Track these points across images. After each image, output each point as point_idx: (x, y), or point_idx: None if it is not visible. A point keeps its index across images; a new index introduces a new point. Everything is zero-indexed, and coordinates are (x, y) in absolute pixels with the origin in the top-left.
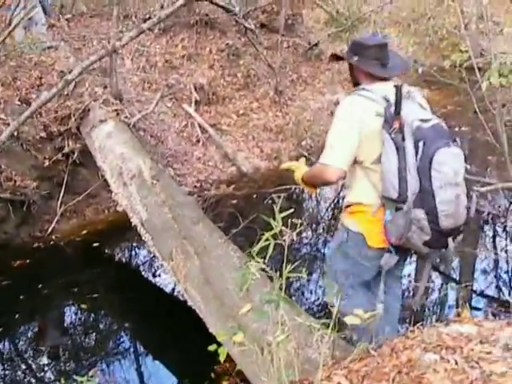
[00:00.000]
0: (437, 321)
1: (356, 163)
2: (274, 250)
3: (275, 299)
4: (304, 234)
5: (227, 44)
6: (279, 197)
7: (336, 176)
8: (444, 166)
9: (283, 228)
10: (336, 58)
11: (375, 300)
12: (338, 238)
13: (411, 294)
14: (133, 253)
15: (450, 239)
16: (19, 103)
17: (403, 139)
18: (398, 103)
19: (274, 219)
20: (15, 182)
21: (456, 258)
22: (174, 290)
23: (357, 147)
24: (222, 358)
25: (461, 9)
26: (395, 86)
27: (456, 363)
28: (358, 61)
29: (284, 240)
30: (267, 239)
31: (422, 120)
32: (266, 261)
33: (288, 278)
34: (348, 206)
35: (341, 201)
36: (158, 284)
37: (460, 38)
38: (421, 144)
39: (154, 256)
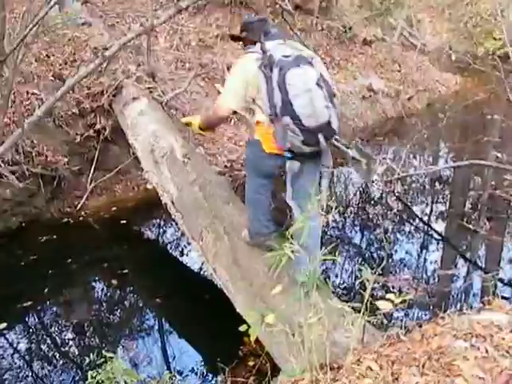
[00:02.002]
0: (467, 308)
1: (253, 100)
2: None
3: (310, 281)
4: (334, 218)
5: None
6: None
7: (226, 112)
8: (293, 80)
9: (319, 211)
10: (233, 37)
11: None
12: (250, 143)
13: (436, 280)
14: (161, 231)
15: (320, 136)
16: (52, 79)
17: (271, 71)
18: (263, 45)
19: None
20: (46, 157)
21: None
22: (202, 269)
23: (245, 88)
24: (252, 339)
25: None
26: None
27: (486, 351)
28: (247, 35)
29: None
30: (302, 221)
31: (284, 56)
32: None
33: (323, 260)
34: (256, 123)
35: (369, 185)
36: (186, 263)
37: (495, 26)
38: (278, 69)
39: (183, 234)
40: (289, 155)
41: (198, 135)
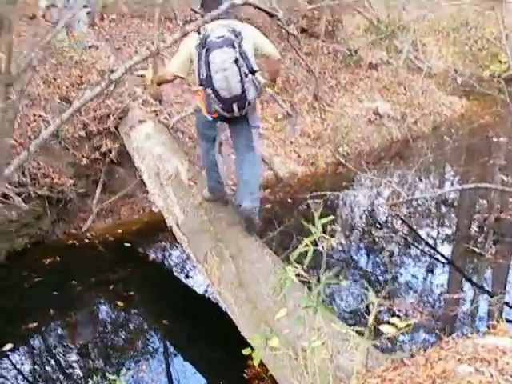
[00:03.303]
0: (472, 332)
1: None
2: (310, 255)
3: (313, 305)
4: (339, 241)
5: None
6: (318, 203)
7: (170, 75)
8: (214, 59)
9: (322, 235)
10: (195, 11)
11: (213, 151)
12: (195, 108)
13: (442, 304)
14: (167, 253)
15: (234, 105)
16: (59, 101)
17: (202, 49)
18: (199, 29)
19: (313, 225)
20: (52, 179)
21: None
22: (207, 291)
23: (187, 59)
24: (256, 362)
25: (502, 19)
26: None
27: (491, 376)
28: (203, 10)
29: (322, 247)
30: (306, 245)
31: (217, 37)
32: (304, 267)
33: (325, 284)
34: (195, 92)
35: (374, 209)
36: (190, 285)
37: (500, 49)
38: (205, 49)
39: (188, 257)
40: (216, 117)
41: None
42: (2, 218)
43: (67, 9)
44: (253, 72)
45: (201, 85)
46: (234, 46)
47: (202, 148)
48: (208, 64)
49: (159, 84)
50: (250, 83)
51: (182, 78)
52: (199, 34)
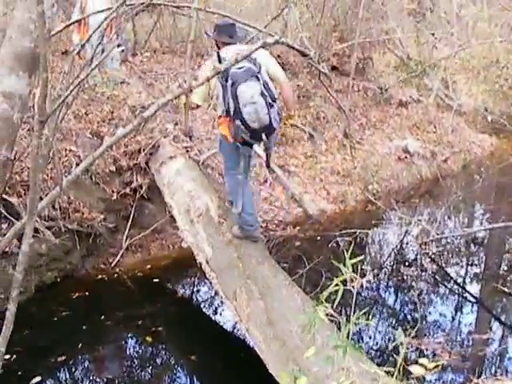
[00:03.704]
0: (501, 374)
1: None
2: (340, 294)
3: (343, 345)
4: (368, 279)
5: (298, 85)
6: (349, 242)
7: (194, 105)
8: (243, 94)
9: (353, 274)
10: (207, 35)
11: (238, 171)
12: (219, 137)
13: (470, 344)
14: (195, 289)
15: (263, 135)
16: (90, 136)
17: (226, 81)
18: (219, 58)
19: (343, 264)
20: (83, 213)
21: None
22: (235, 328)
23: (208, 89)
24: None
25: None
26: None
27: None
28: (216, 35)
29: (353, 286)
30: (337, 284)
31: (237, 68)
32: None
33: (355, 323)
34: (219, 118)
35: (404, 247)
36: (219, 322)
37: None
38: (231, 82)
39: (217, 294)
40: (241, 144)
41: None
42: (31, 252)
43: (101, 46)
44: (275, 100)
45: (229, 116)
46: (258, 78)
47: (229, 175)
48: (236, 97)
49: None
50: (275, 112)
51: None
52: (220, 61)
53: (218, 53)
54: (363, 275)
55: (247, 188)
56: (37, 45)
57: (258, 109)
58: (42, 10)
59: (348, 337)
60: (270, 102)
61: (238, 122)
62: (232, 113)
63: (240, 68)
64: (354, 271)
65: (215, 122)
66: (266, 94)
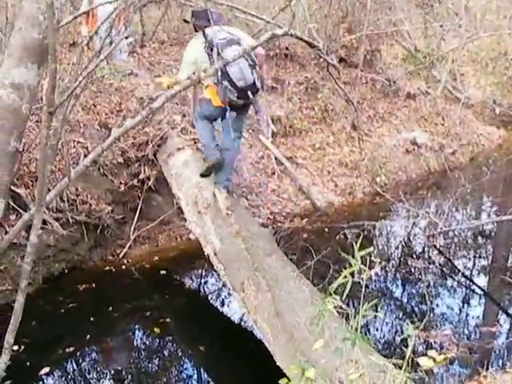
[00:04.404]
0: (510, 366)
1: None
2: (349, 287)
3: (352, 337)
4: (376, 272)
5: (306, 77)
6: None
7: (182, 80)
8: (228, 56)
9: (362, 266)
10: (185, 21)
11: (215, 132)
12: (201, 99)
13: (478, 336)
14: (203, 281)
15: (249, 93)
16: (98, 128)
17: (211, 50)
18: (204, 34)
19: (352, 256)
20: (90, 205)
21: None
22: (242, 320)
23: (194, 63)
24: None
25: None
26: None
27: None
28: (195, 21)
29: (361, 278)
30: (345, 276)
31: (220, 39)
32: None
33: (363, 316)
34: (206, 87)
35: (411, 239)
36: (226, 314)
37: None
38: (216, 50)
39: (224, 285)
40: (228, 107)
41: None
42: (39, 243)
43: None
44: (255, 64)
45: (216, 80)
46: (239, 44)
47: (202, 128)
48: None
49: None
50: (257, 73)
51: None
52: (205, 38)
53: (203, 32)
54: (371, 267)
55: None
56: (45, 36)
57: (242, 68)
58: (50, 1)
59: (357, 329)
60: (251, 63)
61: (225, 83)
62: (219, 76)
63: (223, 39)
64: (362, 263)
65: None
66: (247, 57)
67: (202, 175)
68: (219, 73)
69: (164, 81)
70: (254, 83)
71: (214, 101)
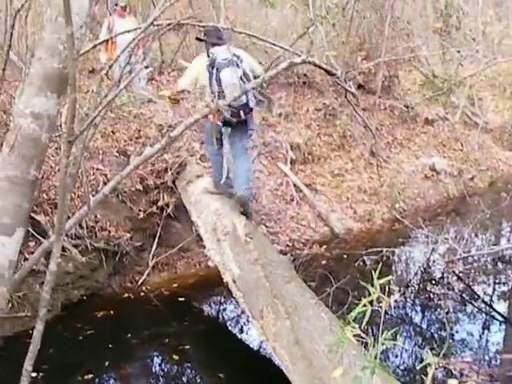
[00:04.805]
0: None
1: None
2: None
3: (371, 365)
4: (395, 298)
5: (324, 104)
6: (376, 261)
7: (180, 90)
8: (225, 77)
9: (380, 295)
10: (198, 39)
11: (223, 153)
12: (206, 124)
13: (498, 363)
14: (222, 308)
15: (241, 112)
16: (117, 155)
17: (212, 68)
18: (209, 54)
19: (371, 284)
20: (109, 232)
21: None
22: (261, 347)
23: (196, 77)
24: None
25: None
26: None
27: None
28: (207, 38)
29: (380, 307)
30: (364, 305)
31: (223, 59)
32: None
33: (384, 343)
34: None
35: (430, 265)
36: (245, 341)
37: None
38: (215, 69)
39: (243, 312)
40: (222, 124)
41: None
42: (58, 270)
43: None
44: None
45: (213, 98)
46: (238, 66)
47: (210, 151)
48: (219, 80)
49: (175, 101)
50: (252, 95)
51: (188, 92)
52: (208, 56)
53: (207, 51)
54: (390, 294)
55: (226, 161)
56: (65, 65)
57: (236, 89)
58: (71, 32)
59: (376, 357)
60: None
61: (220, 102)
62: (216, 95)
63: (224, 59)
64: (381, 291)
65: None
66: (244, 79)
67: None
68: (215, 89)
69: (166, 93)
70: (247, 104)
71: (210, 117)
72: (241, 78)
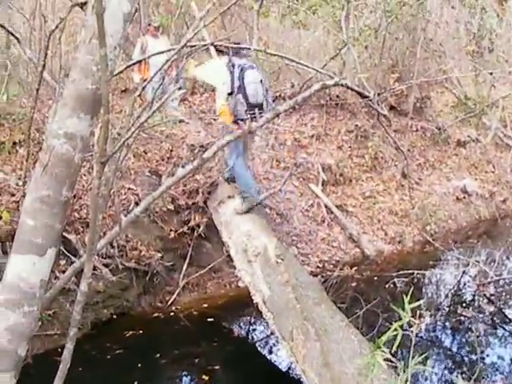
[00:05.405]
0: None
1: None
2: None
3: None
4: (425, 321)
5: (356, 125)
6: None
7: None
8: (249, 75)
9: (411, 319)
10: (217, 49)
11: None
12: (222, 128)
13: None
14: (251, 329)
15: (256, 109)
16: (149, 174)
17: (233, 67)
18: (229, 59)
19: (402, 308)
20: (140, 251)
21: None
22: (290, 369)
23: (214, 73)
24: None
25: None
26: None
27: None
28: (234, 54)
29: (411, 331)
30: (395, 329)
31: (242, 63)
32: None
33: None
34: (219, 109)
35: (461, 288)
36: (274, 362)
37: None
38: (239, 68)
39: (272, 334)
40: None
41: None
42: (89, 289)
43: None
44: (267, 92)
45: (232, 92)
46: (257, 69)
47: (240, 169)
48: (242, 78)
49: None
50: (267, 99)
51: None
52: (229, 60)
53: (229, 59)
54: (421, 316)
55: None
56: (98, 87)
57: (258, 88)
58: (104, 53)
59: (406, 381)
60: (264, 90)
61: (239, 96)
62: (236, 90)
63: (244, 64)
64: (412, 314)
65: (273, 161)
66: (262, 84)
67: (239, 213)
68: (236, 85)
69: (191, 65)
70: (262, 104)
71: (227, 121)
72: (261, 81)
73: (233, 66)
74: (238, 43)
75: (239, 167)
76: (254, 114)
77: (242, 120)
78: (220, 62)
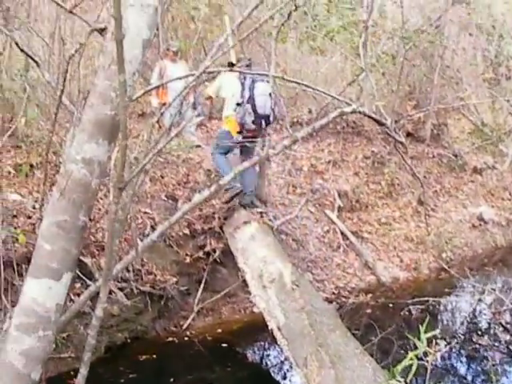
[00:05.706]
0: None
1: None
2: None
3: None
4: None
5: (373, 151)
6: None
7: (207, 96)
8: (259, 87)
9: (427, 349)
10: (229, 64)
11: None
12: (220, 131)
13: None
14: (265, 355)
15: (263, 120)
16: (165, 199)
17: (244, 79)
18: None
19: (418, 338)
20: (155, 276)
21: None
22: None
23: (218, 88)
24: None
25: None
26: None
27: None
28: (241, 63)
29: (427, 361)
30: (411, 358)
31: (255, 76)
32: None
33: None
34: (225, 118)
35: (477, 316)
36: None
37: None
38: (250, 80)
39: (286, 359)
40: (240, 133)
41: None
42: (103, 313)
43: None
44: (274, 105)
45: (241, 102)
46: (267, 82)
47: (222, 163)
48: (252, 89)
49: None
50: (273, 113)
51: (211, 97)
52: (240, 73)
53: (240, 73)
54: (436, 345)
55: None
56: (117, 112)
57: (267, 100)
58: (123, 79)
59: None
60: (272, 103)
61: (247, 106)
62: (245, 100)
63: (256, 77)
64: (427, 343)
65: (290, 187)
66: (272, 96)
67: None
68: (246, 95)
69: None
70: (269, 116)
71: (232, 131)
72: (270, 94)
73: (244, 77)
74: (249, 59)
75: (221, 160)
76: (260, 123)
77: (247, 130)
78: (229, 75)
